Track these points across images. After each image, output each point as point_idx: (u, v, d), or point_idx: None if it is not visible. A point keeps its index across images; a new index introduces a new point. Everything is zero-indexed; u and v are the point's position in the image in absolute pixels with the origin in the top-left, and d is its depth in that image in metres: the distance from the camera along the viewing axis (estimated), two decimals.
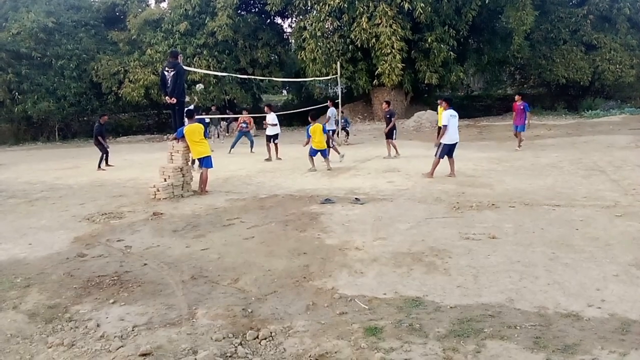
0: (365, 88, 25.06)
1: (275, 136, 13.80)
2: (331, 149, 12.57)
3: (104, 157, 13.67)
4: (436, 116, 23.65)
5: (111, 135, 24.26)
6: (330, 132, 13.69)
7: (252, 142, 16.23)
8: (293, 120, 25.73)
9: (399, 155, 13.31)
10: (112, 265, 5.36)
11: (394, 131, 13.43)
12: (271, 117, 13.81)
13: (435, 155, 10.00)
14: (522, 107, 14.13)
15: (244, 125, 16.43)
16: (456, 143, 10.01)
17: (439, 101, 15.45)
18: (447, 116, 9.83)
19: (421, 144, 15.92)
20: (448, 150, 9.91)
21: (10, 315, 4.16)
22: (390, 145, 13.40)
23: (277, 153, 13.79)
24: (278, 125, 13.96)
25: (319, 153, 11.65)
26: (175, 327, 3.82)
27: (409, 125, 23.16)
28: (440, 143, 9.87)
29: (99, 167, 13.46)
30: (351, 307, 4.02)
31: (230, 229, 6.68)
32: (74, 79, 25.94)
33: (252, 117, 17.02)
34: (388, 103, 13.98)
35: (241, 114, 17.26)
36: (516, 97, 14.81)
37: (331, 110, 15.67)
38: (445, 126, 9.78)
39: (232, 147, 16.23)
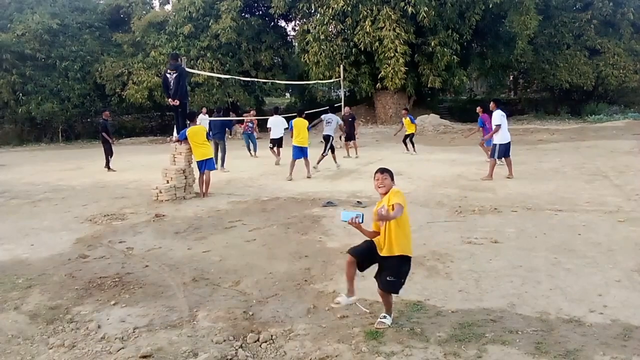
0: (368, 91, 25.07)
1: (275, 141, 13.93)
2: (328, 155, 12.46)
3: (109, 158, 13.68)
4: (439, 120, 23.74)
5: (115, 136, 24.32)
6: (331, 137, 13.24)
7: (255, 145, 16.21)
8: None
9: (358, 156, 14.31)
10: (113, 267, 5.36)
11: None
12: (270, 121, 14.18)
13: (491, 156, 10.06)
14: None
15: (250, 125, 16.45)
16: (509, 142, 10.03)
17: (403, 112, 15.80)
18: (498, 116, 9.83)
19: (424, 148, 15.89)
20: (505, 150, 9.92)
21: (11, 316, 4.17)
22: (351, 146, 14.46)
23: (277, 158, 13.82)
24: (276, 130, 13.99)
25: (301, 156, 10.99)
26: (176, 329, 3.82)
27: None
28: (495, 144, 9.86)
29: (108, 168, 13.56)
30: (352, 310, 4.02)
31: (231, 232, 6.68)
32: (77, 81, 26.03)
33: (257, 118, 17.06)
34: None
35: (246, 114, 17.26)
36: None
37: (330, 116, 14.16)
38: (498, 126, 9.77)
39: (249, 149, 16.19)
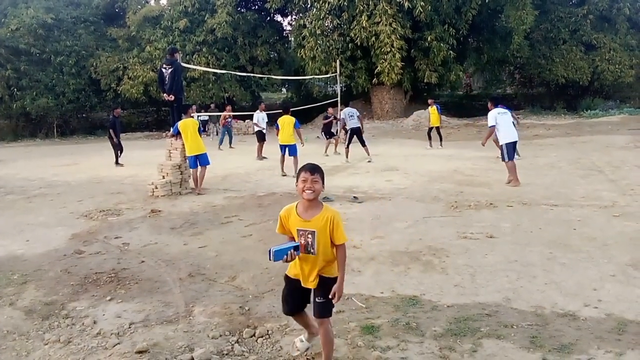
0: (365, 87, 25.06)
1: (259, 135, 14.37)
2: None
3: (118, 154, 13.71)
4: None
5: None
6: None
7: (231, 138, 17.40)
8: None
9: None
10: (109, 262, 5.35)
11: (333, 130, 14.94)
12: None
13: (503, 160, 8.95)
14: None
15: (229, 120, 17.58)
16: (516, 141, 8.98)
17: (429, 101, 15.51)
18: (492, 116, 8.92)
19: (421, 143, 15.90)
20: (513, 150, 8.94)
21: (7, 312, 4.15)
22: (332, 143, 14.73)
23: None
24: (258, 124, 14.48)
25: (284, 153, 10.65)
26: (172, 324, 3.82)
27: (408, 124, 23.17)
28: (502, 145, 8.88)
29: (116, 163, 13.59)
30: (348, 305, 4.02)
31: (228, 227, 6.68)
32: (72, 76, 25.90)
33: (233, 114, 18.43)
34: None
35: (225, 110, 18.07)
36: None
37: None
38: (492, 127, 8.92)
39: (221, 143, 17.21)
